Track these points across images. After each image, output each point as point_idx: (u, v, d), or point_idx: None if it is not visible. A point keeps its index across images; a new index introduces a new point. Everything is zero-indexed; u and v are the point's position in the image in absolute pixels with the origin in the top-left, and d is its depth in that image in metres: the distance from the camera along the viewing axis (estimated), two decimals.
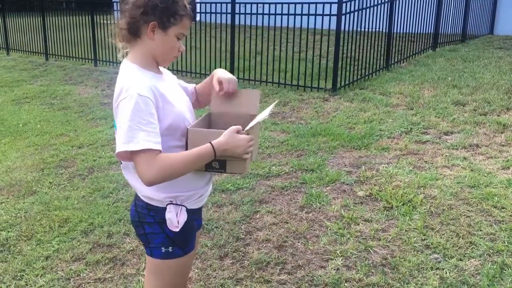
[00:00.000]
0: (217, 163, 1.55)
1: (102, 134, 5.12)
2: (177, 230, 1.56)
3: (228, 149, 1.51)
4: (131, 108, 1.40)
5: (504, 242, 2.77)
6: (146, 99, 1.42)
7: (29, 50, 11.11)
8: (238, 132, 1.53)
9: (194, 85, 1.86)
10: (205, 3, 7.60)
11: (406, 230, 2.96)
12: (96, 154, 4.52)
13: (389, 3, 7.12)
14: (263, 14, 7.05)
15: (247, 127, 1.57)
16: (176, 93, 1.61)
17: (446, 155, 4.06)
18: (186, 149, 1.57)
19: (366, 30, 6.74)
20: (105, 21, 9.19)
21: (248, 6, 7.19)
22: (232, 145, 1.51)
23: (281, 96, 6.35)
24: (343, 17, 6.22)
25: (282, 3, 7.08)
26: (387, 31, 7.28)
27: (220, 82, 1.70)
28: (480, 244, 2.75)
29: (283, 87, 6.81)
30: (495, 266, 2.54)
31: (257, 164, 4.01)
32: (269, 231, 3.04)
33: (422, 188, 3.48)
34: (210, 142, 1.49)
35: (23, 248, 2.95)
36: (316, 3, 6.48)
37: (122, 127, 1.41)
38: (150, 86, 1.46)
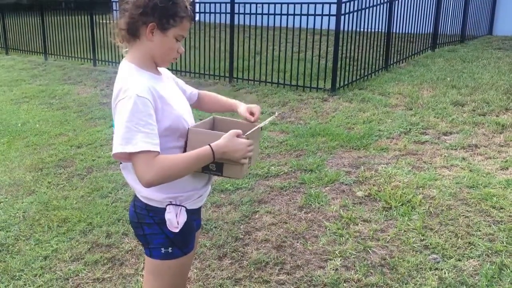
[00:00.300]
0: (214, 166, 1.55)
1: (101, 133, 5.12)
2: (177, 230, 1.55)
3: (227, 152, 1.50)
4: (129, 109, 1.40)
5: (503, 243, 2.77)
6: (145, 100, 1.41)
7: (28, 49, 11.11)
8: (238, 136, 1.53)
9: (196, 90, 1.86)
10: (204, 3, 7.60)
11: (405, 231, 2.96)
12: (95, 154, 4.51)
13: (388, 4, 7.13)
14: (262, 14, 7.05)
15: (248, 132, 1.57)
16: (175, 94, 1.61)
17: (445, 156, 4.06)
18: (185, 149, 1.56)
19: (365, 30, 6.75)
20: (104, 21, 9.19)
21: (248, 6, 7.19)
22: (231, 148, 1.50)
23: (280, 96, 6.35)
24: (342, 17, 6.22)
25: (281, 3, 7.08)
26: (386, 31, 7.29)
27: (251, 113, 1.75)
28: (479, 245, 2.76)
29: (282, 87, 6.81)
30: (493, 267, 2.54)
31: (256, 164, 4.01)
32: (268, 231, 3.04)
33: (421, 188, 3.48)
34: (209, 144, 1.49)
35: (21, 248, 2.94)
36: (315, 3, 6.49)
37: (120, 128, 1.40)
38: (149, 87, 1.46)
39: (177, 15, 1.49)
